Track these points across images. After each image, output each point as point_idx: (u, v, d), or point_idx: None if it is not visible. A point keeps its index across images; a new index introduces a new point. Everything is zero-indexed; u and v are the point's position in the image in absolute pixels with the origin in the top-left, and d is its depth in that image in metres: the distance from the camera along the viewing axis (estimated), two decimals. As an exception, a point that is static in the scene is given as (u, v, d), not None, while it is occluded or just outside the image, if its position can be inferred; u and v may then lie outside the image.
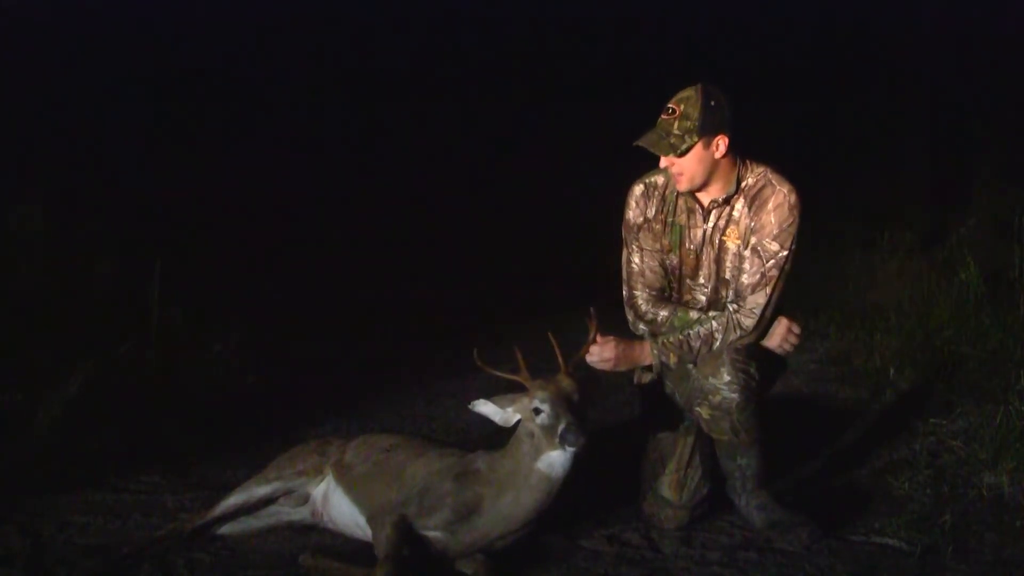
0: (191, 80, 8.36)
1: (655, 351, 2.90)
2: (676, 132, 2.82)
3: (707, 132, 2.81)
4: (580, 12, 10.93)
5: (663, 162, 2.88)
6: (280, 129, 8.22)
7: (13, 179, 4.65)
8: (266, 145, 7.83)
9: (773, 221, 2.87)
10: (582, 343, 2.81)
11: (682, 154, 2.82)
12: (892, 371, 4.35)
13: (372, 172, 8.14)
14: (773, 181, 2.89)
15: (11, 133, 5.89)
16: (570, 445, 2.48)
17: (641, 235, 3.02)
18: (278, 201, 7.06)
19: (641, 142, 2.86)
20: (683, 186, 2.90)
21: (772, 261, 2.87)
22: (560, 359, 2.65)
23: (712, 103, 2.81)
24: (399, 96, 9.26)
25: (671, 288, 3.04)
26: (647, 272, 3.02)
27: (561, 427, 2.48)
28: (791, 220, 2.86)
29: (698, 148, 2.82)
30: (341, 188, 7.70)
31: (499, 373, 2.63)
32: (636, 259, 3.03)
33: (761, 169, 2.92)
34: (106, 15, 9.31)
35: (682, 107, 2.82)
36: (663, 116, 2.85)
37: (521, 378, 2.62)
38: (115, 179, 5.89)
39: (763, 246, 2.87)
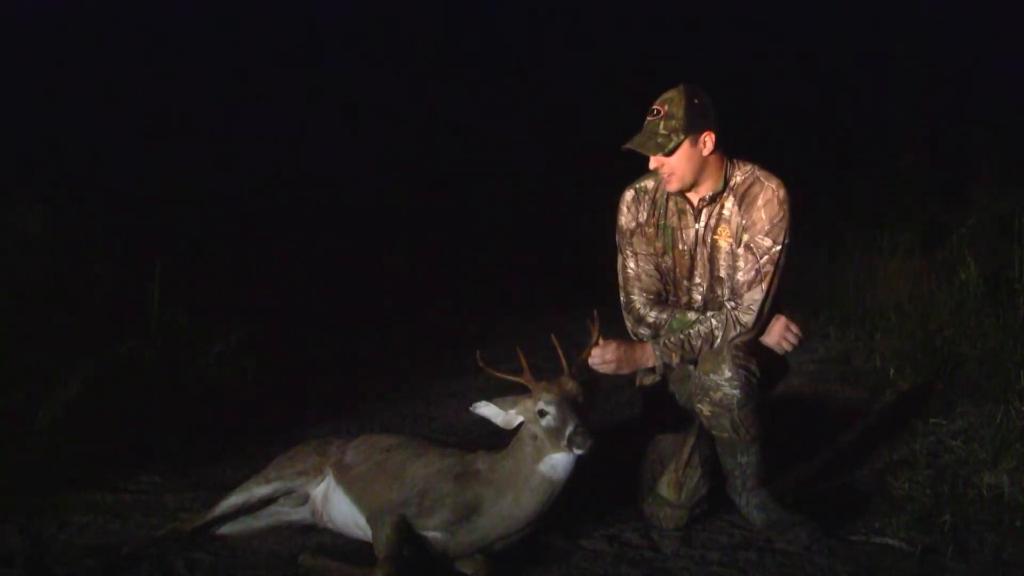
0: (192, 79, 8.36)
1: (657, 352, 2.90)
2: (662, 132, 2.84)
3: (693, 130, 2.83)
4: (581, 12, 10.93)
5: (652, 163, 2.90)
6: (281, 130, 8.22)
7: (13, 179, 4.65)
8: (267, 145, 7.83)
9: (764, 217, 2.88)
10: (583, 344, 2.81)
11: (670, 153, 2.85)
12: (892, 371, 4.35)
13: (373, 173, 8.14)
14: (761, 178, 2.91)
15: (11, 133, 5.89)
16: (578, 448, 2.47)
17: (635, 240, 3.04)
18: (279, 201, 7.06)
19: (630, 145, 2.88)
20: (674, 186, 2.91)
21: (766, 256, 2.88)
22: (563, 361, 2.64)
23: (695, 101, 2.85)
24: (399, 98, 9.26)
25: (667, 290, 3.05)
26: (643, 276, 3.03)
27: (569, 430, 2.48)
28: (781, 215, 2.87)
29: (685, 146, 2.84)
30: (342, 189, 7.70)
31: (501, 374, 2.63)
32: (631, 264, 3.05)
33: (748, 167, 2.93)
34: (107, 14, 9.31)
35: (666, 107, 2.85)
36: (649, 118, 2.88)
37: (524, 380, 2.61)
38: (115, 179, 5.89)
39: (756, 242, 2.88)
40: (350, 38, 10.12)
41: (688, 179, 2.89)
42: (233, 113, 8.13)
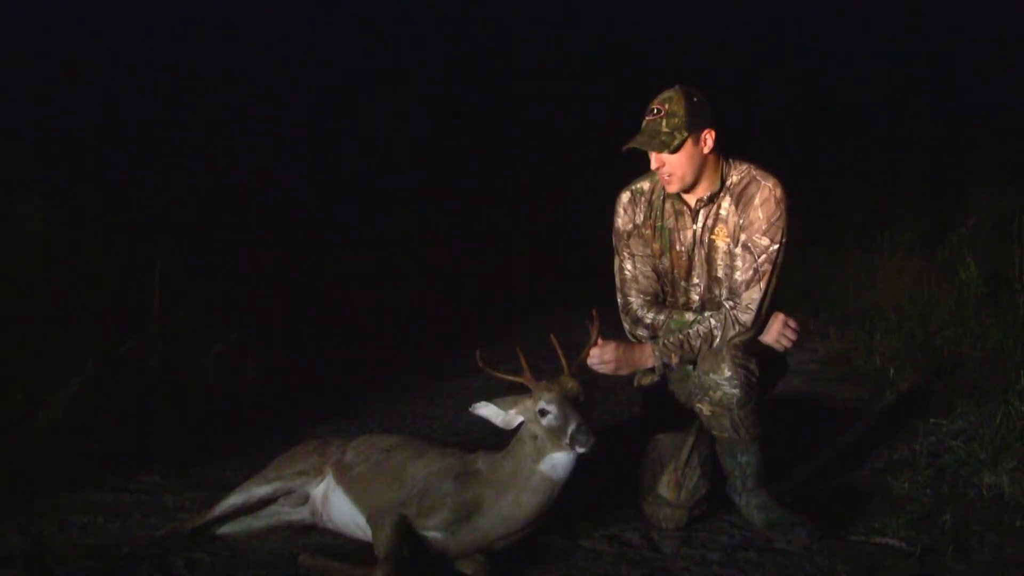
0: (191, 79, 8.36)
1: (656, 352, 2.90)
2: (665, 130, 2.83)
3: (695, 127, 2.83)
4: (582, 12, 10.94)
5: (654, 162, 2.89)
6: (281, 130, 8.22)
7: (14, 179, 4.65)
8: (267, 145, 7.83)
9: (761, 216, 2.88)
10: (582, 344, 2.81)
11: (675, 150, 2.84)
12: (892, 371, 4.35)
13: (372, 173, 8.14)
14: (758, 177, 2.91)
15: (12, 133, 5.89)
16: (581, 446, 2.48)
17: (631, 242, 3.04)
18: (279, 201, 7.06)
19: (632, 144, 2.87)
20: (674, 187, 2.90)
21: (764, 255, 2.88)
22: (563, 360, 2.64)
23: (694, 99, 2.85)
24: (399, 97, 9.26)
25: (665, 291, 3.05)
26: (640, 278, 3.03)
27: (571, 428, 2.48)
28: (778, 214, 2.87)
29: (688, 144, 2.84)
30: (341, 189, 7.70)
31: (501, 374, 2.63)
32: (628, 266, 3.05)
33: (744, 166, 2.94)
34: (107, 14, 9.31)
35: (666, 106, 2.84)
36: (648, 118, 2.86)
37: (524, 379, 2.61)
38: (116, 179, 5.89)
39: (753, 242, 2.89)
40: (350, 38, 10.12)
41: (688, 179, 2.89)
42: (234, 112, 8.13)
